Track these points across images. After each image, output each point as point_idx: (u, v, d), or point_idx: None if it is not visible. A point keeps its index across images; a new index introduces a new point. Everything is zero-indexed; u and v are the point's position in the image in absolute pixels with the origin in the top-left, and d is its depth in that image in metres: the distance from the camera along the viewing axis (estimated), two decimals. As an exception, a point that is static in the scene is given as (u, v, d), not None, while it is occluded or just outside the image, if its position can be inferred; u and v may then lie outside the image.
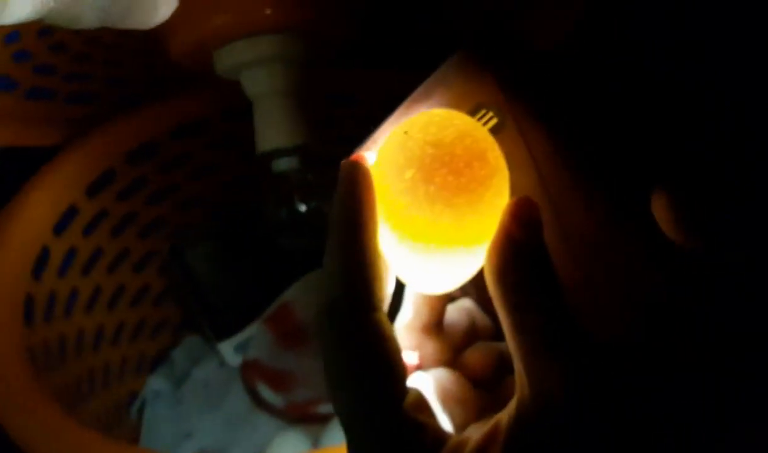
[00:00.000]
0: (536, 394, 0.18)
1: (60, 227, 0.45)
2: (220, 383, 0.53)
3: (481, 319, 0.26)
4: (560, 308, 0.18)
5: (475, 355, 0.25)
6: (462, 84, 0.22)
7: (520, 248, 0.19)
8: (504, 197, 0.20)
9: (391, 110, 0.23)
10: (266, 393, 0.51)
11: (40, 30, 0.40)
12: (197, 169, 0.54)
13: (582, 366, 0.18)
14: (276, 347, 0.51)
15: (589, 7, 0.21)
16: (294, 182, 0.43)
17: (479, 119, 0.21)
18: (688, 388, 0.18)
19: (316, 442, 0.48)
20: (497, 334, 0.26)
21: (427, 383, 0.23)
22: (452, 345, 0.25)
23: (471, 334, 0.26)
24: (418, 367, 0.25)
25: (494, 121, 0.21)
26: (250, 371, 0.52)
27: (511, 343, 0.19)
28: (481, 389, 0.24)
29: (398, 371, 0.20)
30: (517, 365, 0.19)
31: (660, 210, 0.18)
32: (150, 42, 0.38)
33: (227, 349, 0.52)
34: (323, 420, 0.50)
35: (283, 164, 0.41)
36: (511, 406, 0.19)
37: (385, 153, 0.20)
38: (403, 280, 0.22)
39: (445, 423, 0.22)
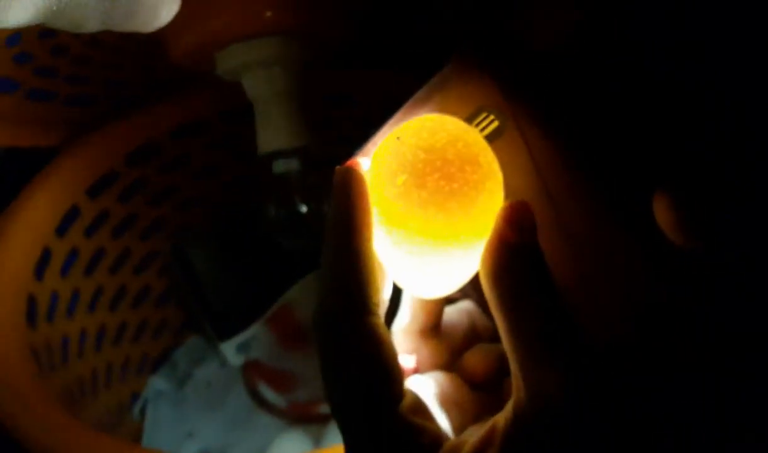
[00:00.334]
0: (533, 396, 0.18)
1: (62, 228, 0.45)
2: (222, 383, 0.54)
3: (482, 320, 0.26)
4: (556, 309, 0.18)
5: (474, 357, 0.24)
6: (462, 87, 0.22)
7: (514, 251, 0.19)
8: (498, 200, 0.20)
9: (389, 111, 0.23)
10: (268, 393, 0.51)
11: (41, 32, 0.40)
12: (198, 169, 0.54)
13: (581, 366, 0.18)
14: (277, 348, 0.51)
15: (589, 8, 0.21)
16: (294, 183, 0.43)
17: (480, 122, 0.21)
18: (688, 389, 0.18)
19: (317, 443, 0.49)
20: (498, 336, 0.26)
21: (425, 386, 0.23)
22: (451, 347, 0.25)
23: (471, 336, 0.26)
24: (416, 371, 0.24)
25: (495, 124, 0.21)
26: (251, 372, 0.52)
27: (507, 346, 0.19)
28: (481, 391, 0.24)
29: (394, 374, 0.20)
30: (514, 367, 0.19)
31: (660, 211, 0.18)
32: (150, 44, 0.38)
33: (229, 349, 0.52)
34: (324, 420, 0.50)
35: (284, 166, 0.41)
36: (508, 408, 0.19)
37: (379, 158, 0.20)
38: (400, 284, 0.22)
39: (443, 426, 0.22)
